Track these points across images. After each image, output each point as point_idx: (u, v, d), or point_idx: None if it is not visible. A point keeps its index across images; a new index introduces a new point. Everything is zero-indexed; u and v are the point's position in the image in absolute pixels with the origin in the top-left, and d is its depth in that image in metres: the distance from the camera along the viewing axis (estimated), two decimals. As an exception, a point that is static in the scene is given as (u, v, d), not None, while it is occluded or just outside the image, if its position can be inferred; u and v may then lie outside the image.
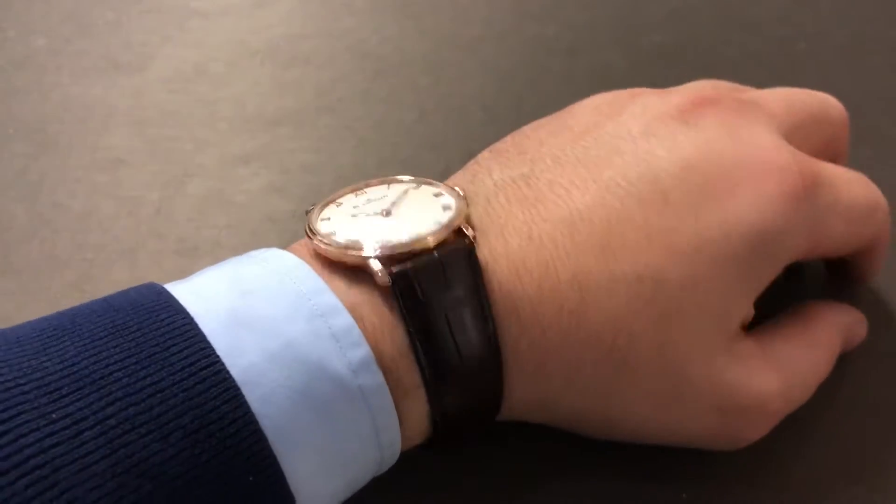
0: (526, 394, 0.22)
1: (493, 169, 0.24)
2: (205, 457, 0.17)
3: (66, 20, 0.41)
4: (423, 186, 0.23)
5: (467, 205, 0.22)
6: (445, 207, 0.22)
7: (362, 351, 0.19)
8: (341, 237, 0.21)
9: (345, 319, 0.19)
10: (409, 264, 0.20)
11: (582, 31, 0.42)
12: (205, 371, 0.18)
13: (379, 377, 0.19)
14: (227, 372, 0.18)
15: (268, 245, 0.22)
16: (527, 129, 0.26)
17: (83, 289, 0.30)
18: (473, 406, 0.22)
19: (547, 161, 0.23)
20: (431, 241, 0.21)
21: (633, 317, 0.22)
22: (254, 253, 0.22)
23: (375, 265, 0.20)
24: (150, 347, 0.18)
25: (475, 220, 0.22)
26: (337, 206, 0.23)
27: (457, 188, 0.23)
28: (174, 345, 0.18)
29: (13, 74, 0.39)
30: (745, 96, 0.25)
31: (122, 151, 0.36)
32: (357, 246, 0.21)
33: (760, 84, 0.28)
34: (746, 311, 0.23)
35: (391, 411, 0.20)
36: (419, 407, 0.21)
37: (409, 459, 0.22)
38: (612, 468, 0.25)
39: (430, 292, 0.20)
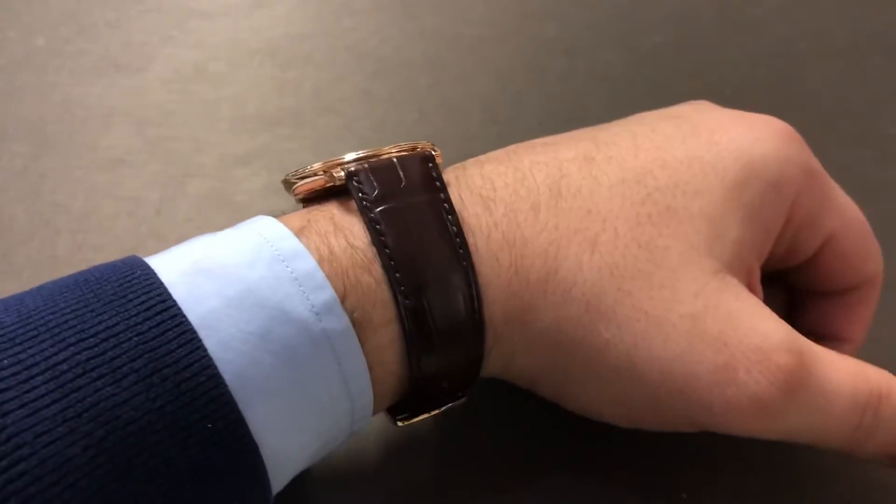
0: (502, 308, 0.21)
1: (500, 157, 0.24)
2: (159, 402, 0.17)
3: (66, 20, 0.41)
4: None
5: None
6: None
7: (326, 294, 0.19)
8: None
9: (307, 263, 0.19)
10: (364, 164, 0.21)
11: (582, 31, 0.42)
12: (160, 315, 0.17)
13: (344, 320, 0.19)
14: (184, 316, 0.17)
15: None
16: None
17: (83, 289, 0.30)
18: (452, 336, 0.20)
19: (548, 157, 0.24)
20: (393, 151, 0.21)
21: (615, 212, 0.21)
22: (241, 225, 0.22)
23: (337, 173, 0.21)
24: (108, 296, 0.18)
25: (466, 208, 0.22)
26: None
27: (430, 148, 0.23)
28: (131, 291, 0.18)
29: (13, 74, 0.39)
30: None
31: (122, 151, 0.36)
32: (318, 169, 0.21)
33: (760, 84, 0.28)
34: (742, 246, 0.22)
35: (359, 356, 0.19)
36: (392, 351, 0.20)
37: (395, 455, 0.22)
38: (612, 468, 0.25)
39: (387, 186, 0.21)
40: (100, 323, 0.17)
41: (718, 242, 0.21)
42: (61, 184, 0.34)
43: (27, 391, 0.16)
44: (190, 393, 0.17)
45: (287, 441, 0.19)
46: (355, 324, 0.19)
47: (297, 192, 0.22)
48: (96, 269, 0.19)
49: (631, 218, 0.21)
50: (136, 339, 0.17)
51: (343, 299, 0.19)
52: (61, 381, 0.16)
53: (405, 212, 0.20)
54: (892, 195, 0.26)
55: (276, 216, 0.21)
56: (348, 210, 0.21)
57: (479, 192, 0.22)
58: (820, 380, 0.20)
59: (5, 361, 0.16)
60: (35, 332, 0.17)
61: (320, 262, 0.19)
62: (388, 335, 0.20)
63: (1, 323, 0.17)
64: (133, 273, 0.18)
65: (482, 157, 0.23)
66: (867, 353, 0.27)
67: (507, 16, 0.43)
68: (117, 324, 0.17)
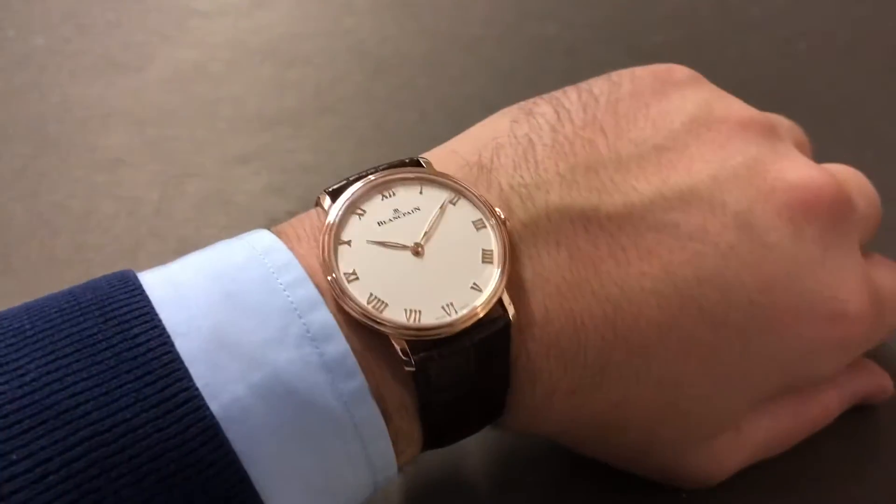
0: (522, 425, 0.22)
1: (551, 181, 0.20)
2: (182, 500, 0.15)
3: (65, 20, 0.41)
4: (462, 203, 0.20)
5: (511, 251, 0.19)
6: (486, 255, 0.19)
7: (356, 382, 0.17)
8: (363, 288, 0.18)
9: (338, 346, 0.17)
10: (435, 354, 0.18)
11: (582, 31, 0.42)
12: (182, 408, 0.16)
13: (373, 408, 0.18)
14: (207, 408, 0.16)
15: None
16: (602, 102, 0.22)
17: (83, 289, 0.30)
18: (469, 426, 0.21)
19: (616, 201, 0.20)
20: (465, 324, 0.18)
21: (635, 409, 0.21)
22: (245, 237, 0.19)
23: (399, 345, 0.18)
24: (123, 375, 0.16)
25: (518, 264, 0.20)
26: (359, 216, 0.20)
27: (501, 214, 0.20)
28: (148, 373, 0.16)
29: (13, 74, 0.38)
30: (846, 200, 0.23)
31: (122, 151, 0.36)
32: (379, 311, 0.18)
33: (760, 84, 0.28)
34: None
35: (385, 438, 0.18)
36: (415, 427, 0.19)
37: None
38: (612, 468, 0.25)
39: (453, 379, 0.19)
40: (117, 413, 0.15)
41: (723, 425, 0.23)
42: (61, 183, 0.34)
43: (41, 492, 0.14)
44: (214, 492, 0.16)
45: None
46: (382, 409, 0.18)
47: (338, 302, 0.18)
48: (102, 316, 0.17)
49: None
50: (156, 435, 0.15)
51: (369, 384, 0.18)
52: (78, 480, 0.15)
53: (458, 401, 0.19)
54: (893, 195, 0.26)
55: (306, 257, 0.19)
56: (401, 371, 0.19)
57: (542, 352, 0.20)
58: None
59: (14, 455, 0.15)
60: (44, 418, 0.15)
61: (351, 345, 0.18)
62: (409, 419, 0.19)
63: (5, 397, 0.15)
64: (149, 342, 0.16)
65: (548, 272, 0.20)
66: (868, 354, 0.27)
67: (507, 15, 0.43)
68: (136, 416, 0.15)
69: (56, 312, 0.17)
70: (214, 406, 0.16)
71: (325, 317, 0.18)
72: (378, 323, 0.18)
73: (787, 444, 0.24)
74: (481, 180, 0.21)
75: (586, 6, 0.44)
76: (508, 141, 0.21)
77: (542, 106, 0.22)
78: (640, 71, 0.24)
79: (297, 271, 0.18)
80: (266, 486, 0.16)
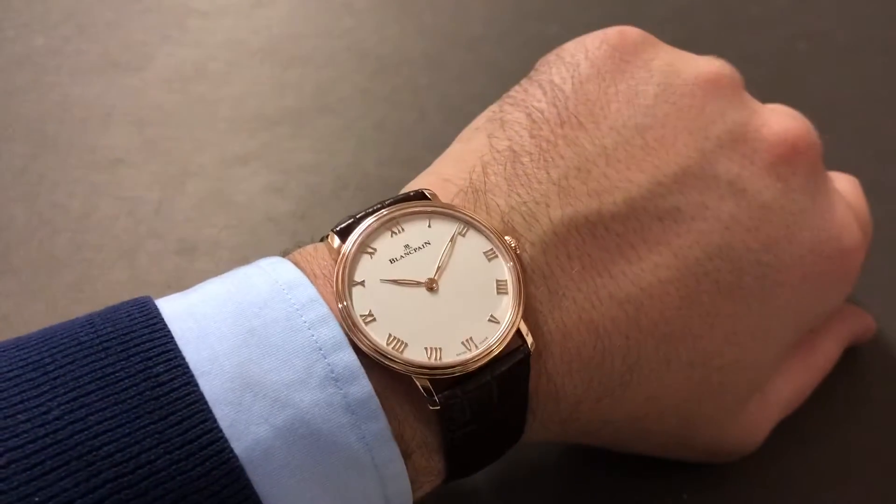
0: (550, 437, 0.22)
1: (548, 192, 0.20)
2: None
3: (65, 20, 0.41)
4: (471, 234, 0.20)
5: (524, 279, 0.19)
6: (500, 286, 0.19)
7: (379, 425, 0.17)
8: (381, 329, 0.18)
9: (362, 387, 0.17)
10: (459, 391, 0.18)
11: (582, 31, 0.42)
12: (207, 450, 0.16)
13: (394, 449, 0.18)
14: (231, 451, 0.16)
15: (266, 246, 0.22)
16: (567, 91, 0.22)
17: (82, 289, 0.30)
18: (491, 454, 0.21)
19: (616, 199, 0.20)
20: (485, 359, 0.18)
21: (671, 396, 0.21)
22: (265, 265, 0.19)
23: (422, 384, 0.18)
24: (146, 415, 0.16)
25: (531, 287, 0.19)
26: (370, 255, 0.19)
27: (511, 242, 0.19)
28: (172, 413, 0.16)
29: (12, 74, 0.38)
30: (815, 141, 0.24)
31: (122, 151, 0.36)
32: (399, 351, 0.18)
33: (760, 84, 0.28)
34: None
35: (403, 476, 0.18)
36: (430, 461, 0.19)
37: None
38: (612, 468, 0.25)
39: (475, 413, 0.19)
40: (139, 455, 0.15)
41: (757, 389, 0.24)
42: (60, 183, 0.34)
43: None
44: None
45: None
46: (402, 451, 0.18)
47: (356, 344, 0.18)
48: (125, 351, 0.17)
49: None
50: (179, 478, 0.15)
51: (390, 424, 0.18)
52: None
53: (484, 432, 0.19)
54: (893, 195, 0.26)
55: (326, 289, 0.19)
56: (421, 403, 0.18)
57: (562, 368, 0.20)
58: None
59: (37, 497, 0.14)
60: (66, 459, 0.15)
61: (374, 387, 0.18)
62: (429, 455, 0.19)
63: (23, 434, 0.15)
64: (172, 382, 0.16)
65: (561, 285, 0.20)
66: (868, 356, 0.27)
67: (507, 15, 0.43)
68: (159, 458, 0.15)
69: (77, 346, 0.17)
70: (238, 448, 0.16)
71: (349, 358, 0.17)
72: (400, 364, 0.18)
73: (803, 396, 0.25)
74: (480, 205, 0.20)
75: (586, 6, 0.44)
76: (493, 158, 0.21)
77: (512, 112, 0.22)
78: (590, 42, 0.23)
79: (321, 309, 0.18)
80: None
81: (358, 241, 0.19)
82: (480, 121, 0.23)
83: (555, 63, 0.23)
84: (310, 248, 0.20)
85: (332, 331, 0.18)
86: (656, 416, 0.22)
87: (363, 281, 0.19)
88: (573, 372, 0.20)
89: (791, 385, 0.25)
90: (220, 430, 0.16)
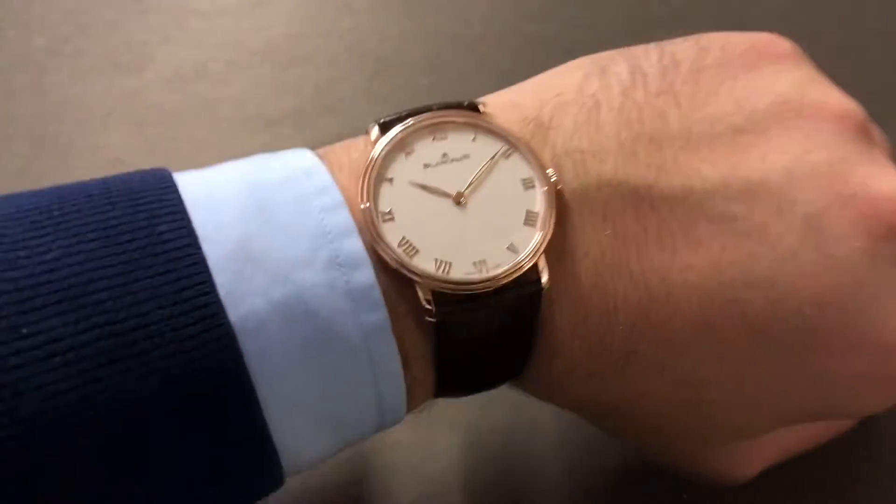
0: (538, 394, 0.22)
1: (609, 149, 0.19)
2: (185, 404, 0.15)
3: (65, 20, 0.41)
4: (515, 157, 0.19)
5: (556, 211, 0.18)
6: (530, 217, 0.18)
7: (378, 315, 0.17)
8: (396, 229, 0.18)
9: (365, 275, 0.17)
10: (458, 309, 0.18)
11: (582, 31, 0.42)
12: (200, 311, 0.15)
13: (392, 345, 0.17)
14: (225, 316, 0.15)
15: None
16: (683, 69, 0.20)
17: (83, 289, 0.30)
18: (484, 383, 0.21)
19: (674, 182, 0.19)
20: (493, 284, 0.18)
21: (655, 402, 0.20)
22: (286, 153, 0.19)
23: (423, 293, 0.17)
24: (144, 269, 0.15)
25: (560, 232, 0.18)
26: (406, 155, 0.19)
27: (553, 176, 0.19)
28: (170, 271, 0.15)
29: (12, 74, 0.38)
30: None
31: (122, 151, 0.35)
32: (409, 255, 0.17)
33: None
34: None
35: (399, 378, 0.18)
36: (426, 374, 0.19)
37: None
38: (613, 468, 0.25)
39: (474, 336, 0.18)
40: (133, 306, 0.15)
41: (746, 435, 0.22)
42: (60, 183, 0.34)
43: (45, 371, 0.14)
44: (218, 400, 0.16)
45: (308, 448, 0.18)
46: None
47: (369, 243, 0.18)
48: (133, 208, 0.16)
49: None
50: (169, 334, 0.15)
51: (391, 323, 0.17)
52: (84, 366, 0.14)
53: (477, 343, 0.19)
54: (893, 195, 0.26)
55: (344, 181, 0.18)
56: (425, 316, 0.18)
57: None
58: None
59: (25, 330, 0.14)
60: (58, 298, 0.15)
61: (378, 274, 0.17)
62: (425, 368, 0.19)
63: (21, 268, 0.15)
64: (175, 241, 0.16)
65: (589, 245, 0.19)
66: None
67: (507, 15, 0.43)
68: (151, 312, 0.15)
69: (85, 197, 0.16)
70: (232, 315, 0.16)
71: (356, 245, 0.17)
72: (406, 268, 0.17)
73: (812, 445, 0.23)
74: (537, 138, 0.19)
75: (587, 6, 0.44)
76: (574, 98, 0.20)
77: (619, 64, 0.20)
78: (735, 38, 0.21)
79: (335, 196, 0.18)
80: (270, 404, 0.16)
81: (398, 138, 0.19)
82: (585, 60, 0.21)
83: (689, 42, 0.21)
84: (346, 141, 0.20)
85: (343, 218, 0.17)
86: (636, 416, 0.21)
87: (392, 178, 0.18)
88: (577, 335, 0.19)
89: (800, 433, 0.23)
90: (217, 295, 0.15)
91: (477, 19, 0.43)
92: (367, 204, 0.18)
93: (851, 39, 0.42)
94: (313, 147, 0.35)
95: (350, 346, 0.17)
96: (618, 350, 0.19)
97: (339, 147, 0.20)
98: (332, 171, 0.18)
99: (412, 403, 0.19)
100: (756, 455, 0.22)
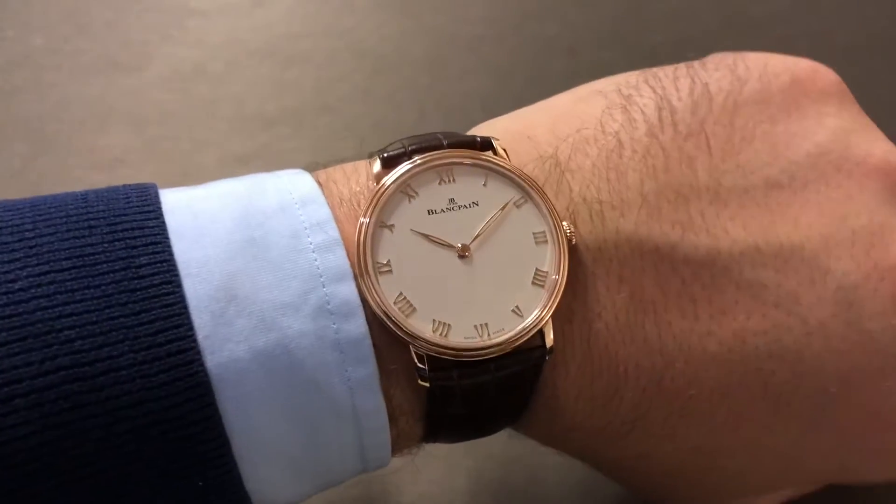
0: (527, 434, 0.21)
1: (631, 202, 0.17)
2: (152, 454, 0.14)
3: (64, 19, 0.41)
4: (527, 207, 0.17)
5: (568, 271, 0.17)
6: (538, 277, 0.17)
7: (367, 370, 0.16)
8: (393, 284, 0.16)
9: (357, 326, 0.16)
10: (455, 375, 0.16)
11: (582, 31, 0.42)
12: (174, 358, 0.14)
13: (379, 401, 0.16)
14: (201, 364, 0.14)
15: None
16: (717, 104, 0.18)
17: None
18: (474, 436, 0.20)
19: (700, 242, 0.17)
20: (494, 352, 0.16)
21: (661, 465, 0.19)
22: (283, 175, 0.17)
23: (418, 357, 0.16)
24: (118, 307, 0.14)
25: (569, 291, 0.17)
26: (410, 198, 0.17)
27: (568, 230, 0.17)
28: (146, 311, 0.14)
29: (12, 74, 0.38)
30: None
31: (121, 151, 0.35)
32: (405, 314, 0.16)
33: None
34: None
35: (384, 433, 0.17)
36: (413, 428, 0.18)
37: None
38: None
39: (468, 402, 0.17)
40: (103, 347, 0.14)
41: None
42: (60, 184, 0.34)
43: (4, 414, 0.13)
44: (188, 451, 0.14)
45: (284, 493, 0.17)
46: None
47: (364, 299, 0.16)
48: (112, 233, 0.15)
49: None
50: (140, 381, 0.14)
51: (381, 378, 0.16)
52: (46, 410, 0.13)
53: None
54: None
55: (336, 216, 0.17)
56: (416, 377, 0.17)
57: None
58: None
59: None
60: (23, 335, 0.14)
61: (369, 323, 0.16)
62: (413, 424, 0.18)
63: None
64: (154, 276, 0.14)
65: (600, 305, 0.17)
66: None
67: (507, 14, 0.43)
68: (122, 355, 0.14)
69: (63, 218, 0.15)
70: (210, 362, 0.14)
71: (349, 292, 0.16)
72: (401, 329, 0.16)
73: (813, 489, 0.22)
74: (552, 180, 0.18)
75: (586, 6, 0.44)
76: (594, 135, 0.18)
77: (645, 95, 0.19)
78: (774, 64, 0.19)
79: (332, 234, 0.16)
80: (246, 457, 0.15)
81: (402, 179, 0.17)
82: (609, 85, 0.19)
83: (724, 68, 0.19)
84: (348, 166, 0.18)
85: (338, 259, 0.16)
86: (641, 472, 0.20)
87: (392, 225, 0.17)
88: (580, 399, 0.18)
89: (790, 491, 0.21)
90: (194, 340, 0.14)
91: (477, 18, 0.43)
92: (364, 252, 0.16)
93: (851, 39, 0.42)
94: (312, 147, 0.35)
95: (335, 401, 0.16)
96: (625, 415, 0.18)
97: (339, 174, 0.18)
98: (330, 204, 0.17)
99: (397, 451, 0.18)
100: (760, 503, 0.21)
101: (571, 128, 0.18)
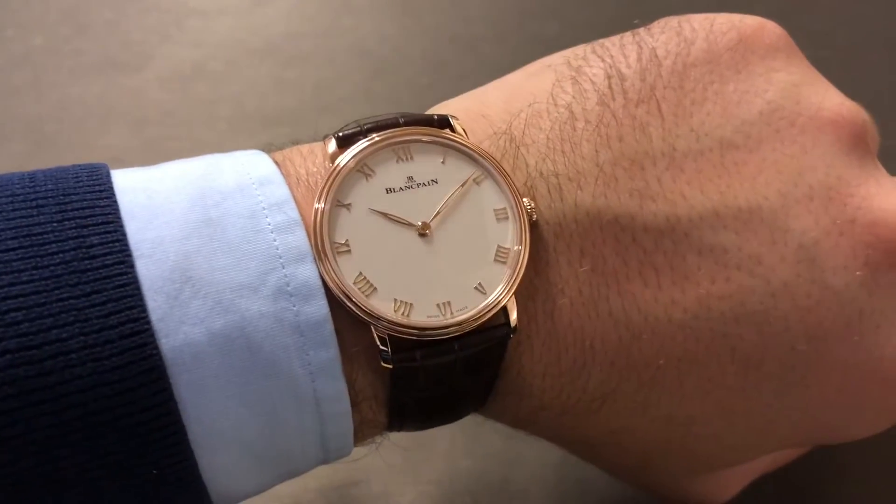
0: (496, 419, 0.20)
1: (587, 173, 0.17)
2: (104, 442, 0.13)
3: (64, 19, 0.41)
4: (487, 184, 0.17)
5: (529, 247, 0.16)
6: (500, 253, 0.17)
7: (329, 354, 0.15)
8: (352, 264, 0.16)
9: (318, 308, 0.15)
10: (418, 355, 0.16)
11: (582, 30, 0.42)
12: (127, 340, 0.13)
13: (341, 386, 0.16)
14: (155, 346, 0.14)
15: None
16: (666, 68, 0.18)
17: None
18: (440, 422, 0.19)
19: (658, 210, 0.17)
20: (458, 330, 0.16)
21: (636, 440, 0.19)
22: (240, 155, 0.17)
23: (380, 338, 0.16)
24: (68, 287, 0.13)
25: (531, 268, 0.17)
26: (367, 177, 0.17)
27: (529, 208, 0.17)
28: (97, 292, 0.14)
29: (11, 73, 0.38)
30: None
31: (121, 151, 0.35)
32: (366, 295, 0.16)
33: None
34: None
35: (346, 418, 0.16)
36: (377, 414, 0.17)
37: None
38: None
39: (432, 382, 0.16)
40: (51, 329, 0.13)
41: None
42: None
43: None
44: (143, 438, 0.14)
45: (243, 483, 0.16)
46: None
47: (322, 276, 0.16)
48: (61, 213, 0.14)
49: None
50: (91, 364, 0.13)
51: (342, 361, 0.16)
52: None
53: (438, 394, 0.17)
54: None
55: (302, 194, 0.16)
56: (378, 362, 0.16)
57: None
58: None
59: None
60: None
61: (333, 307, 0.15)
62: (377, 409, 0.17)
63: None
64: (106, 257, 0.14)
65: (562, 279, 0.17)
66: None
67: (507, 15, 0.43)
68: (72, 337, 0.13)
69: (8, 198, 0.14)
70: (165, 345, 0.14)
71: (310, 273, 0.15)
72: (361, 309, 0.15)
73: (789, 460, 0.23)
74: (508, 156, 0.17)
75: (586, 6, 0.44)
76: (546, 108, 0.18)
77: (594, 66, 0.18)
78: (720, 23, 0.19)
79: (291, 214, 0.16)
80: (203, 444, 0.15)
81: (357, 157, 0.17)
82: (557, 59, 0.19)
83: (670, 30, 0.19)
84: (305, 147, 0.18)
85: (298, 240, 0.15)
86: (613, 450, 0.20)
87: (350, 204, 0.16)
88: (546, 375, 0.17)
89: (773, 455, 0.22)
90: (148, 322, 0.14)
91: (477, 18, 0.43)
92: (321, 233, 0.16)
93: (851, 39, 0.42)
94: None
95: (295, 386, 0.15)
96: (593, 391, 0.18)
97: (296, 155, 0.18)
98: (288, 184, 0.16)
99: (360, 440, 0.18)
100: (736, 478, 0.21)
101: (523, 102, 0.18)
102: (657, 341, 0.17)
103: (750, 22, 0.20)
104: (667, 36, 0.19)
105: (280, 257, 0.15)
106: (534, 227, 0.17)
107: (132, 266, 0.14)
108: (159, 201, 0.15)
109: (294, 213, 0.16)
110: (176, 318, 0.14)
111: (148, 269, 0.14)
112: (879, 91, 0.39)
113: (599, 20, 0.43)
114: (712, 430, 0.18)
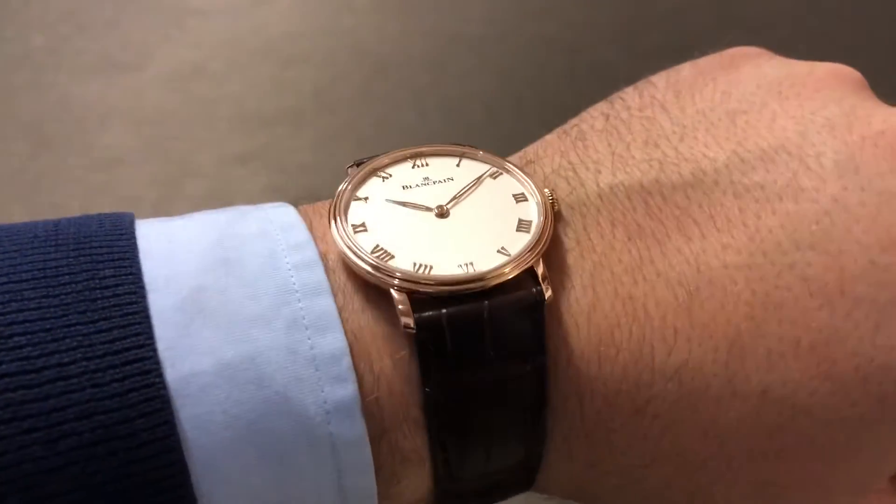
0: (564, 482, 0.17)
1: (602, 160, 0.17)
2: (99, 478, 0.13)
3: (64, 19, 0.41)
4: (504, 177, 0.17)
5: (553, 224, 0.16)
6: (522, 224, 0.16)
7: (347, 390, 0.14)
8: (369, 238, 0.15)
9: (335, 341, 0.14)
10: (443, 310, 0.14)
11: (582, 30, 0.42)
12: (130, 367, 0.13)
13: (359, 427, 0.14)
14: (160, 375, 0.13)
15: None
16: (661, 85, 0.19)
17: (81, 289, 0.30)
18: (493, 488, 0.16)
19: (683, 169, 0.17)
20: (484, 284, 0.15)
21: (740, 441, 0.16)
22: (266, 207, 0.17)
23: (399, 299, 0.15)
24: (75, 314, 0.13)
25: (561, 249, 0.16)
26: (383, 179, 0.17)
27: (547, 191, 0.16)
28: (104, 319, 0.13)
29: (11, 73, 0.38)
30: None
31: (120, 151, 0.35)
32: (384, 262, 0.15)
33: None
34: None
35: (368, 472, 0.15)
36: (417, 480, 0.15)
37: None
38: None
39: (466, 354, 0.15)
40: (53, 354, 0.13)
41: (861, 483, 0.17)
42: (59, 183, 0.34)
43: None
44: (141, 476, 0.13)
45: None
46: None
47: (339, 255, 0.16)
48: (77, 249, 0.14)
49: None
50: (90, 391, 0.13)
51: (363, 398, 0.14)
52: None
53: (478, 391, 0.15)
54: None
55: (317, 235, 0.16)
56: (407, 354, 0.15)
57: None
58: None
59: None
60: None
61: (352, 342, 0.14)
62: (418, 470, 0.15)
63: None
64: (117, 286, 0.14)
65: (598, 252, 0.16)
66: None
67: (507, 15, 0.43)
68: (73, 362, 0.13)
69: (30, 239, 0.15)
70: (170, 375, 0.13)
71: (327, 305, 0.15)
72: (379, 270, 0.15)
73: None
74: (525, 171, 0.17)
75: (587, 5, 0.44)
76: (554, 140, 0.18)
77: (594, 110, 0.19)
78: (704, 59, 0.20)
79: (310, 254, 0.15)
80: (204, 484, 0.14)
81: (372, 166, 0.17)
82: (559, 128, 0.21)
83: (662, 74, 0.20)
84: (329, 200, 0.18)
85: (316, 276, 0.15)
86: (723, 466, 0.16)
87: (367, 197, 0.16)
88: (602, 359, 0.15)
89: None
90: (154, 349, 0.13)
91: (477, 18, 0.43)
92: (338, 214, 0.15)
93: (851, 39, 0.42)
94: (312, 147, 0.35)
95: (307, 426, 0.14)
96: (663, 369, 0.15)
97: (321, 204, 0.17)
98: (309, 223, 0.16)
99: (397, 488, 0.16)
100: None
101: (532, 146, 0.19)
102: (718, 293, 0.15)
103: (731, 49, 0.20)
104: (659, 75, 0.20)
105: (297, 291, 0.15)
106: (557, 216, 0.17)
107: (143, 297, 0.14)
108: (179, 245, 0.15)
109: (314, 254, 0.15)
110: (185, 348, 0.14)
111: (160, 301, 0.14)
112: (879, 91, 0.39)
113: (598, 21, 0.43)
114: (817, 400, 0.15)
